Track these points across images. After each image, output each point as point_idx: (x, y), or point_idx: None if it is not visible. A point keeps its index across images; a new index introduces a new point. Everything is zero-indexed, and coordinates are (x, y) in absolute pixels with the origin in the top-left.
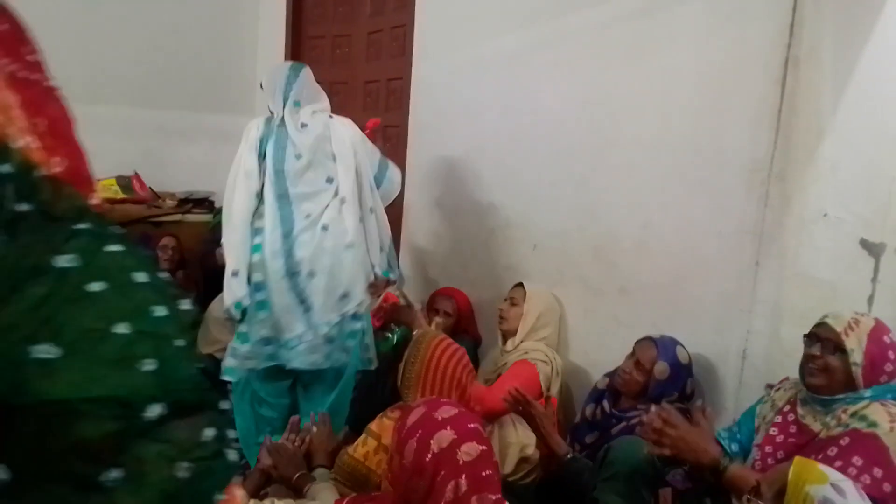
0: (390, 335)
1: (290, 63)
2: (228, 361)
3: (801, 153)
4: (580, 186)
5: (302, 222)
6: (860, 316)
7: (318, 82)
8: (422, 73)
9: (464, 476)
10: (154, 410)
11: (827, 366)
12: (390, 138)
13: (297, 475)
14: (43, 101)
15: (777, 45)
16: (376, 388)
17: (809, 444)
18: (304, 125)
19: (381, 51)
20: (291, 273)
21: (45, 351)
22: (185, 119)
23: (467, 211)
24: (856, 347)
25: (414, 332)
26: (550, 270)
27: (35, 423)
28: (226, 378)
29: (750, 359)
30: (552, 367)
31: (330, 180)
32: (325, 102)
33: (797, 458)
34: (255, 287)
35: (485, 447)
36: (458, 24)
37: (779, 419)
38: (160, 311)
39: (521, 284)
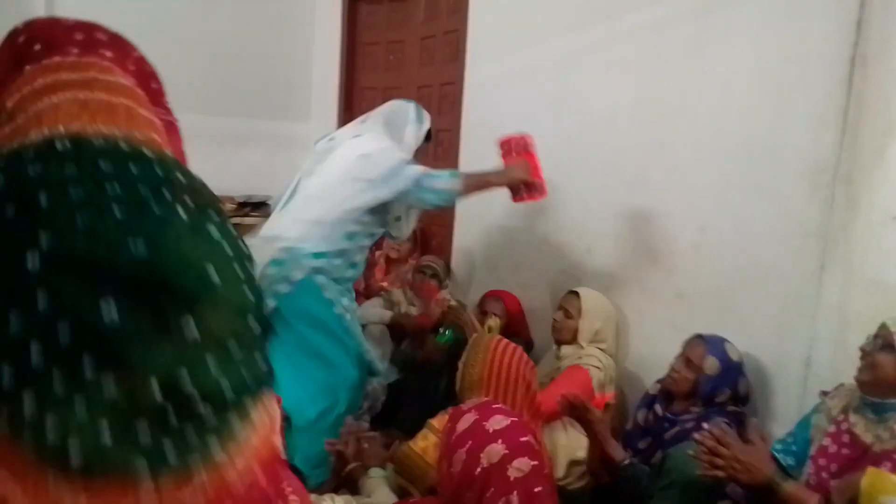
0: (441, 333)
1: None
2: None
3: (869, 154)
4: (634, 189)
5: None
6: None
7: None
8: (474, 77)
9: (515, 493)
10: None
11: (874, 362)
12: (442, 142)
13: (350, 466)
14: (167, 134)
15: (843, 42)
16: (428, 389)
17: (862, 458)
18: None
19: (434, 56)
20: None
21: None
22: (242, 125)
23: (519, 214)
24: None
25: (472, 336)
26: (604, 275)
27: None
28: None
29: (814, 367)
30: (605, 373)
31: None
32: None
33: (870, 469)
34: None
35: (536, 462)
36: (511, 27)
37: (832, 429)
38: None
39: (574, 293)
